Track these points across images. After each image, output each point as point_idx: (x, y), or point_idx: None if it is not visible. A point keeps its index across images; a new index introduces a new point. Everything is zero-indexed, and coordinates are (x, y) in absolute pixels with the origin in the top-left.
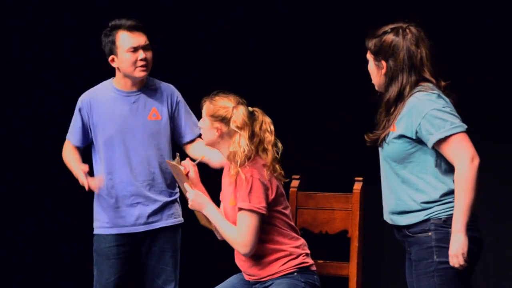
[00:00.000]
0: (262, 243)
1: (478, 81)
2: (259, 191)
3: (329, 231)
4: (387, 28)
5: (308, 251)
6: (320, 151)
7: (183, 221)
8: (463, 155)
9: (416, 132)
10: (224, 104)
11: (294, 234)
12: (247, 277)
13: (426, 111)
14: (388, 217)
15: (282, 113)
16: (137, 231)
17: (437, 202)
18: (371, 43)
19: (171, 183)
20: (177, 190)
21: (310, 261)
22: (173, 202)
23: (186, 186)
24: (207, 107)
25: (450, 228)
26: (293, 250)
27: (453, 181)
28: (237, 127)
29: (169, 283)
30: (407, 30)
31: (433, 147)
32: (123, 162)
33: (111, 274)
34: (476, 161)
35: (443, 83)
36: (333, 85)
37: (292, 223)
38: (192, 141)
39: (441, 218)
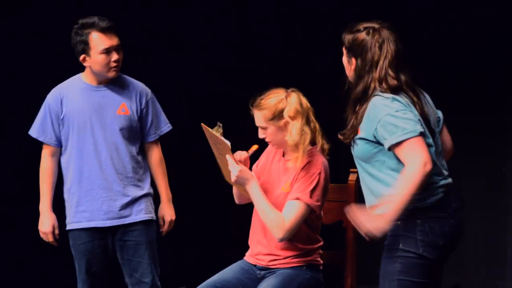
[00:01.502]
0: (294, 241)
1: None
2: (321, 190)
3: (325, 221)
4: (361, 26)
5: (321, 252)
6: None
7: (154, 218)
8: (415, 159)
9: (374, 136)
10: (276, 99)
11: (318, 237)
12: (253, 261)
13: (380, 116)
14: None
15: None
16: (105, 226)
17: None
18: (346, 38)
19: (140, 178)
20: (148, 186)
21: (320, 261)
22: (143, 196)
23: (229, 159)
24: (261, 115)
25: (418, 219)
26: (310, 250)
27: None
28: (290, 117)
29: (147, 275)
30: (378, 31)
31: (390, 149)
32: (93, 156)
33: (89, 268)
34: (428, 166)
35: (394, 84)
36: (327, 77)
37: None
38: (155, 142)
39: (408, 208)
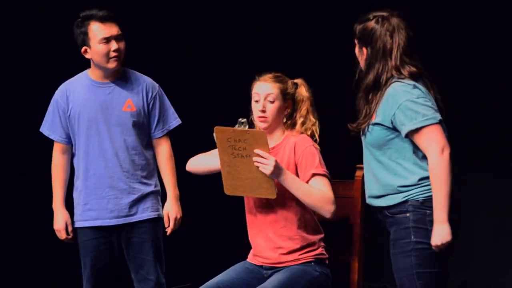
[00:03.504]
0: (298, 228)
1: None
2: (322, 159)
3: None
4: (370, 15)
5: (324, 244)
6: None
7: (161, 215)
8: (433, 147)
9: (392, 122)
10: (287, 79)
11: (320, 227)
12: (258, 262)
13: (401, 101)
14: (370, 201)
15: None
16: (111, 224)
17: (415, 185)
18: (356, 29)
19: (147, 175)
20: (155, 182)
21: (326, 254)
22: (150, 194)
23: (261, 152)
24: (276, 86)
25: (428, 209)
26: (316, 242)
27: None
28: (309, 97)
29: (152, 273)
30: (387, 19)
31: (407, 136)
32: (98, 154)
33: (94, 265)
34: (446, 152)
35: (413, 71)
36: (332, 73)
37: None
38: (164, 137)
39: (418, 200)
